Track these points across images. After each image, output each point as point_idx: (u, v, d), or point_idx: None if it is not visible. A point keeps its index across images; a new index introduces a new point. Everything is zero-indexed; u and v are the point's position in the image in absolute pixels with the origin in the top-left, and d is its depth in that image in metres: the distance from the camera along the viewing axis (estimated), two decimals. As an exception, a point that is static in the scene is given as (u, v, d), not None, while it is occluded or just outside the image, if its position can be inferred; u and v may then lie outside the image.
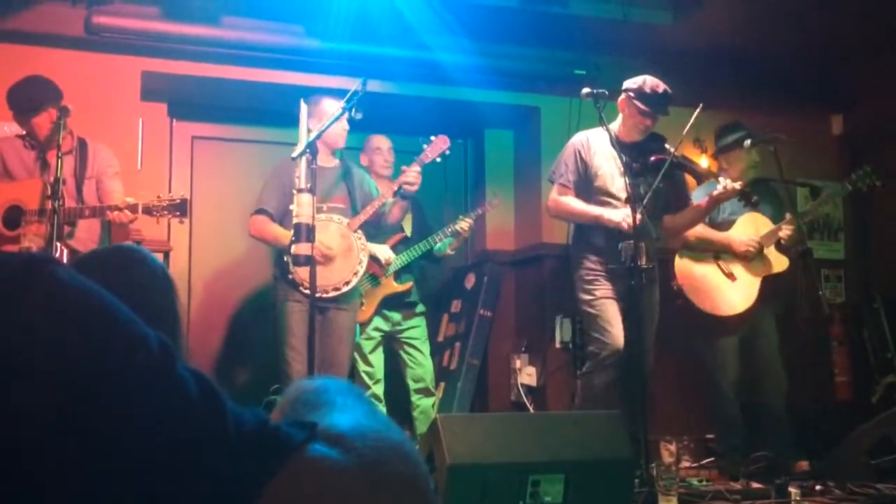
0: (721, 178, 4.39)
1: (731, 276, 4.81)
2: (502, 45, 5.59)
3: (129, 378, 0.88)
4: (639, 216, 4.04)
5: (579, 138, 4.50)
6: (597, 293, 4.36)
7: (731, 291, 4.80)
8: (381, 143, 5.32)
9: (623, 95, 4.43)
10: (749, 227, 4.87)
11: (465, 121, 6.18)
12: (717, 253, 4.85)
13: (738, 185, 4.33)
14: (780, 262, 4.88)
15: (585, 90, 4.25)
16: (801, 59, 6.04)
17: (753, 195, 4.33)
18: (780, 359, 4.88)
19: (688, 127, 4.31)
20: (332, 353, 4.50)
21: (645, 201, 4.12)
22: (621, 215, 4.19)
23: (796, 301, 4.86)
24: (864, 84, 6.41)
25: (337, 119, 4.19)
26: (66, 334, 0.87)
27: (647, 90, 4.32)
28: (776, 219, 4.94)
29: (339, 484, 0.92)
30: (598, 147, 4.42)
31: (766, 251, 4.85)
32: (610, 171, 4.39)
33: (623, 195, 4.21)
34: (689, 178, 4.74)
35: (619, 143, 4.38)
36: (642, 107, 4.33)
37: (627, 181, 4.12)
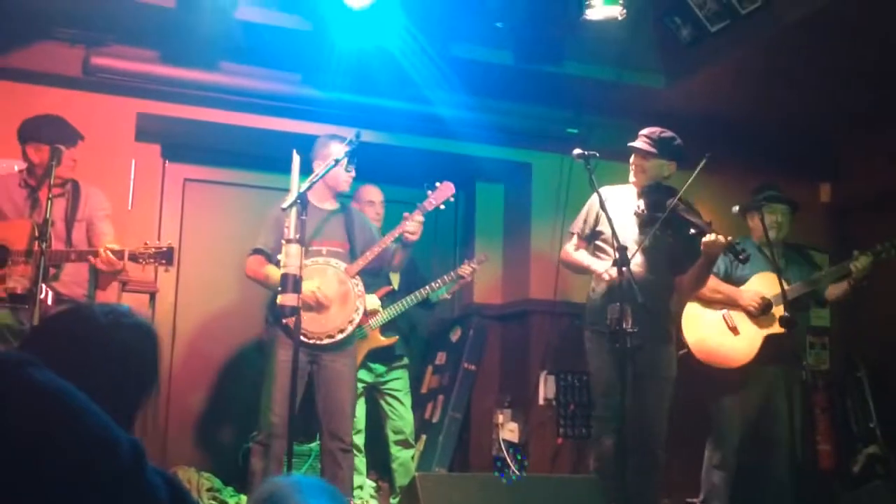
0: (712, 233, 4.33)
1: (734, 329, 4.79)
2: (497, 101, 5.64)
3: (97, 484, 0.87)
4: (625, 275, 3.84)
5: (602, 191, 4.25)
6: (599, 356, 4.30)
7: (731, 345, 4.77)
8: (374, 195, 5.34)
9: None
10: (764, 285, 4.82)
11: (456, 173, 6.11)
12: (725, 306, 4.85)
13: (724, 239, 4.28)
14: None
15: (576, 151, 4.09)
16: (791, 126, 6.11)
17: (742, 250, 4.23)
18: (790, 428, 4.59)
19: (687, 184, 4.21)
20: (334, 400, 4.35)
21: (633, 254, 4.05)
22: (604, 266, 4.18)
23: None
24: (853, 153, 6.49)
25: (332, 167, 4.19)
26: (36, 439, 0.86)
27: (647, 130, 4.40)
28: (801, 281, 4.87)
29: None
30: (616, 200, 4.32)
31: (775, 310, 4.79)
32: (623, 223, 4.24)
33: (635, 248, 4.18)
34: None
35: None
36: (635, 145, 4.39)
37: (615, 233, 3.96)
